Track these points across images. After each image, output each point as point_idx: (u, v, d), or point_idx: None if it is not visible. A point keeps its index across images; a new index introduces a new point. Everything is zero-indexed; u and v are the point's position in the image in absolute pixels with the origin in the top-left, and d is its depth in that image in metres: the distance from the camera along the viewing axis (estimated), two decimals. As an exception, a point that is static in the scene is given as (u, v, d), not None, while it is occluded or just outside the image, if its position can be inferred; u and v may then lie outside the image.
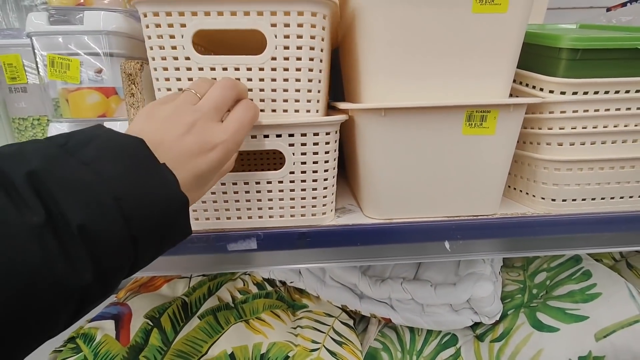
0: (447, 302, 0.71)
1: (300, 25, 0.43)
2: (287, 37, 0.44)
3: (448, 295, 0.70)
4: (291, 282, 0.86)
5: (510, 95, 0.51)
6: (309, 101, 0.47)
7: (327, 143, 0.48)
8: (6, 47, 0.58)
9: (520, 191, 0.58)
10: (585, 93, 0.49)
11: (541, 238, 0.56)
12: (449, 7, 0.44)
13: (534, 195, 0.55)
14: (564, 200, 0.53)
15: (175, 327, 0.75)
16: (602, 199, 0.53)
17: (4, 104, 0.62)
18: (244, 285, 0.89)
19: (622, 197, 0.53)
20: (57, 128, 0.54)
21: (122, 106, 0.55)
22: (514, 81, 0.53)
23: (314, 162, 0.49)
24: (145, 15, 0.43)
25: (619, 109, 0.50)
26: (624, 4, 1.41)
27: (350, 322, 0.83)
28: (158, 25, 0.43)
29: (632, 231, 0.54)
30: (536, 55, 0.52)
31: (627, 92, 0.49)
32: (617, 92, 0.49)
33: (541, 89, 0.51)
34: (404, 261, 0.59)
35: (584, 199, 0.53)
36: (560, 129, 0.50)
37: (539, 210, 0.54)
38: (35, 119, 0.62)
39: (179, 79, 0.45)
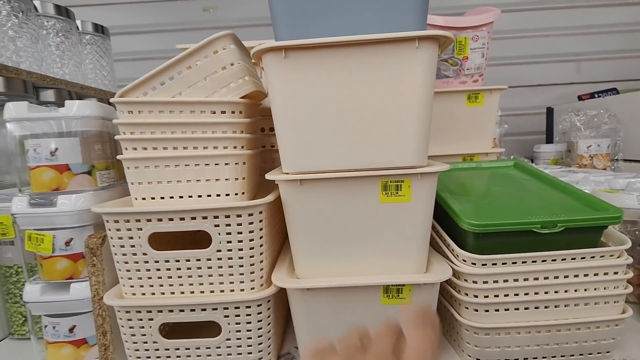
0: None
1: (239, 224, 0.51)
2: (228, 233, 0.51)
3: None
4: None
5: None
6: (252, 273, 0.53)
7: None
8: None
9: (454, 340, 0.61)
10: (494, 264, 0.54)
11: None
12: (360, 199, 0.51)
13: (462, 350, 0.58)
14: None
15: None
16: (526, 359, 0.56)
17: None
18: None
19: (544, 358, 0.56)
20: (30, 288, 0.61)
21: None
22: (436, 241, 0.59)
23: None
24: (107, 222, 0.51)
25: (527, 279, 0.54)
26: (592, 95, 1.50)
27: None
28: (118, 230, 0.52)
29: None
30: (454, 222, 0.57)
31: (534, 261, 0.54)
32: (524, 262, 0.54)
33: (456, 256, 0.56)
34: None
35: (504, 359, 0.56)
36: (474, 296, 0.55)
37: (467, 367, 0.57)
38: (19, 266, 0.71)
39: (138, 270, 0.53)
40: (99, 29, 1.29)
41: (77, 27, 1.21)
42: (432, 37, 0.47)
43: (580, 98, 1.62)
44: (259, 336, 0.56)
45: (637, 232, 0.68)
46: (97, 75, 1.28)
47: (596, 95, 1.51)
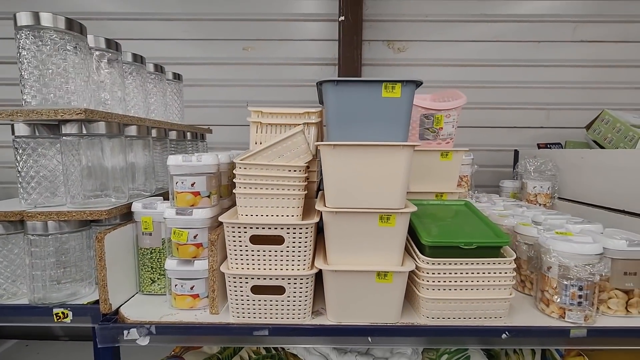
0: (382, 370, 1.15)
1: (300, 233, 0.95)
2: (293, 238, 0.95)
3: (382, 366, 1.15)
4: (288, 349, 1.31)
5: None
6: (299, 264, 0.97)
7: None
8: (144, 213, 1.12)
9: (416, 307, 1.04)
10: (439, 264, 0.97)
11: (425, 338, 1.01)
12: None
13: (420, 312, 1.02)
14: (433, 318, 0.99)
15: (214, 375, 1.20)
16: (455, 318, 0.99)
17: (136, 243, 1.14)
18: (257, 348, 1.34)
19: (465, 318, 1.00)
20: (169, 261, 1.05)
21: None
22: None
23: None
24: (226, 227, 0.95)
25: (456, 273, 0.97)
26: (545, 145, 1.95)
27: (325, 380, 1.26)
28: (233, 231, 0.95)
29: (473, 336, 0.99)
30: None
31: (461, 263, 0.97)
32: (455, 263, 0.97)
33: (418, 257, 1.00)
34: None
35: (446, 318, 0.99)
36: (427, 281, 0.98)
37: (422, 322, 1.01)
38: (153, 249, 1.14)
39: (241, 254, 0.97)
40: (177, 77, 1.73)
41: (165, 76, 1.65)
42: (410, 145, 0.91)
43: (539, 146, 2.07)
44: (305, 297, 0.99)
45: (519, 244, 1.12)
46: (174, 114, 1.71)
47: (548, 146, 1.96)
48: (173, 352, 1.33)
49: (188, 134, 1.74)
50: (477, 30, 2.48)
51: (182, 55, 2.46)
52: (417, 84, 0.93)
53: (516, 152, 2.14)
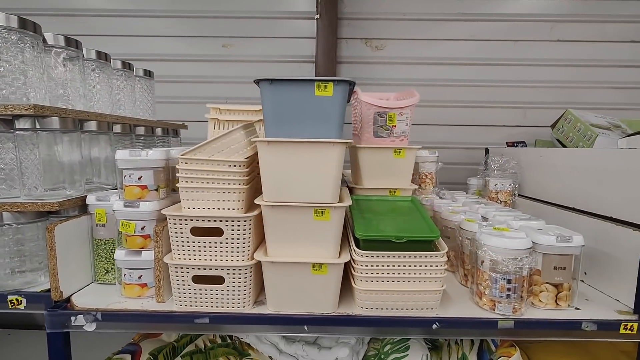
0: (327, 359, 1.20)
1: (238, 226, 0.99)
2: (232, 230, 1.00)
3: (326, 355, 1.19)
4: (242, 338, 1.36)
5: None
6: (237, 255, 1.02)
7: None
8: (98, 205, 1.16)
9: (352, 296, 1.09)
10: (372, 256, 1.01)
11: (360, 327, 1.06)
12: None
13: (356, 303, 1.06)
14: (367, 309, 1.04)
15: (166, 361, 1.25)
16: (389, 309, 1.03)
17: (91, 234, 1.19)
18: (213, 337, 1.39)
19: (399, 309, 1.04)
20: (119, 252, 1.09)
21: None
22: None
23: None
24: (169, 219, 0.99)
25: (388, 266, 1.01)
26: (513, 144, 1.98)
27: (275, 368, 1.31)
28: (175, 223, 1.00)
29: (405, 326, 1.03)
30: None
31: (392, 256, 1.01)
32: (388, 256, 1.01)
33: (354, 250, 1.04)
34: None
35: (379, 308, 1.03)
36: (361, 273, 1.02)
37: (357, 312, 1.05)
38: (107, 240, 1.19)
39: (183, 245, 1.01)
40: (148, 73, 1.77)
41: (134, 73, 1.69)
42: (342, 142, 0.95)
43: (507, 144, 2.10)
44: (245, 287, 1.03)
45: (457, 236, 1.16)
46: (145, 110, 1.76)
47: (515, 145, 1.99)
48: (132, 340, 1.38)
49: (159, 129, 1.78)
50: (454, 29, 2.50)
51: (164, 52, 2.50)
52: (350, 83, 0.96)
53: (487, 150, 2.17)
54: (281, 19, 2.48)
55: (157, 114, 1.90)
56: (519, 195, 1.74)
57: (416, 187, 1.43)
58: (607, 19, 2.44)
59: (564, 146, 1.80)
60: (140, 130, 1.64)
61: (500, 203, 1.73)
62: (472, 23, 2.49)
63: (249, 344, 1.36)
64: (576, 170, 1.42)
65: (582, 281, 1.29)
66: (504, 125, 2.58)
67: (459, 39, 2.50)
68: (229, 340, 1.38)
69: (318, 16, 2.31)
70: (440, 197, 1.69)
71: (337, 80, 0.94)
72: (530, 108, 2.56)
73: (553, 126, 1.90)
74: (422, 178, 1.75)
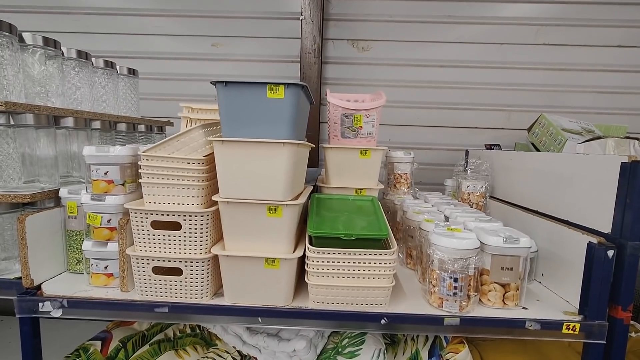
0: (285, 350, 1.24)
1: (196, 220, 1.04)
2: (190, 224, 1.05)
3: (284, 346, 1.24)
4: (210, 328, 1.41)
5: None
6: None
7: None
8: (70, 198, 1.22)
9: (307, 291, 1.13)
10: (323, 253, 1.05)
11: (311, 320, 1.10)
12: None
13: (310, 297, 1.10)
14: (319, 303, 1.08)
15: (135, 348, 1.31)
16: (340, 304, 1.08)
17: (64, 225, 1.25)
18: (183, 327, 1.44)
19: (351, 304, 1.08)
20: (86, 243, 1.15)
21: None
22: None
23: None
24: (132, 212, 1.05)
25: (340, 262, 1.05)
26: (490, 147, 2.01)
27: (239, 359, 1.36)
28: (137, 217, 1.05)
29: (355, 320, 1.07)
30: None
31: (342, 253, 1.05)
32: (338, 253, 1.05)
33: (308, 246, 1.08)
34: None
35: (331, 303, 1.08)
36: (313, 268, 1.06)
37: (310, 306, 1.09)
38: (78, 231, 1.24)
39: (144, 238, 1.06)
40: (132, 72, 1.83)
41: (117, 71, 1.74)
42: (292, 143, 0.99)
43: (485, 147, 2.12)
44: (202, 278, 1.09)
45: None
46: (128, 107, 1.81)
47: (492, 147, 2.01)
48: (105, 328, 1.44)
49: (142, 126, 1.84)
50: (440, 31, 2.52)
51: (155, 50, 2.56)
52: (302, 86, 1.01)
53: (467, 152, 2.19)
54: (269, 19, 2.52)
55: (146, 112, 1.96)
56: (490, 197, 1.77)
57: (382, 186, 1.47)
58: (593, 23, 2.44)
59: (538, 150, 1.82)
60: (122, 127, 1.70)
61: (472, 205, 1.75)
62: (458, 26, 2.51)
63: (216, 335, 1.41)
64: (539, 174, 1.44)
65: (539, 282, 1.33)
66: (488, 128, 2.60)
67: (445, 42, 2.53)
68: (197, 331, 1.43)
69: (302, 17, 2.34)
70: (416, 198, 1.73)
71: (288, 84, 0.98)
72: (514, 111, 2.57)
73: (529, 130, 1.93)
74: (397, 178, 1.79)
